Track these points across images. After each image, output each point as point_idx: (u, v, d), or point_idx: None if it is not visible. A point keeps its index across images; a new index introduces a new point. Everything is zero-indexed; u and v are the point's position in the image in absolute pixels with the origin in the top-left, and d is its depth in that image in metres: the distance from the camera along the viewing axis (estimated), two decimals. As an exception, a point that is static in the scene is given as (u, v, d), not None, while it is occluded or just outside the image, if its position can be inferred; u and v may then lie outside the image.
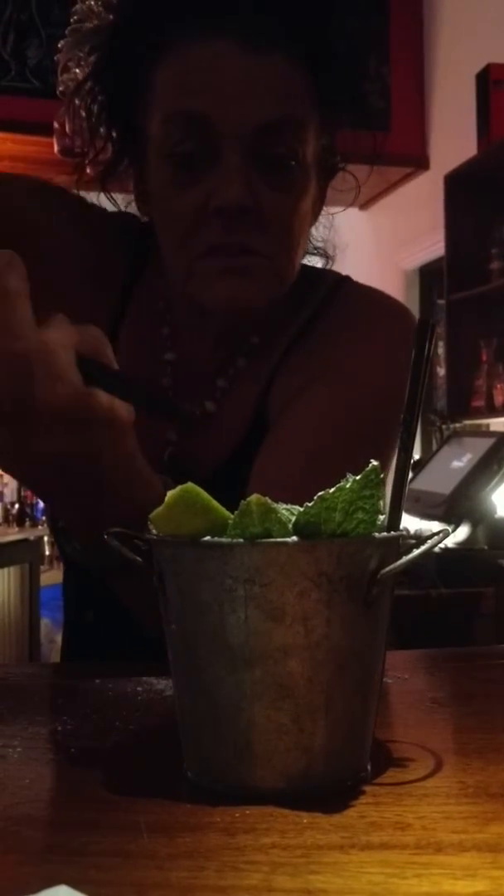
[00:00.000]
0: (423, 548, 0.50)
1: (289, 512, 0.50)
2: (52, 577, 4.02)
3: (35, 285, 0.64)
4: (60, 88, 2.59)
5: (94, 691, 0.70)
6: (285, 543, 0.47)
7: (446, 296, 3.82)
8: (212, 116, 0.78)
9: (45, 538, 3.99)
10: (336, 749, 0.49)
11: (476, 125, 3.72)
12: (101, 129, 0.89)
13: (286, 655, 0.48)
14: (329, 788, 0.49)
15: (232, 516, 0.48)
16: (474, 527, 2.91)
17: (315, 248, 0.99)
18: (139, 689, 0.70)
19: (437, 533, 0.51)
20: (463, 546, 2.91)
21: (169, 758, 0.53)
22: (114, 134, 0.89)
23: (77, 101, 0.92)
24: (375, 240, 5.00)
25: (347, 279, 0.98)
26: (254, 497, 0.47)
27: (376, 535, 0.49)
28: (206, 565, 0.48)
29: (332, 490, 0.48)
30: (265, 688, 0.48)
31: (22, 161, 4.23)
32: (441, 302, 4.02)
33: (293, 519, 0.48)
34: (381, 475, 0.49)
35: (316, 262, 1.01)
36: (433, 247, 4.27)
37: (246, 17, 0.79)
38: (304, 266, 0.96)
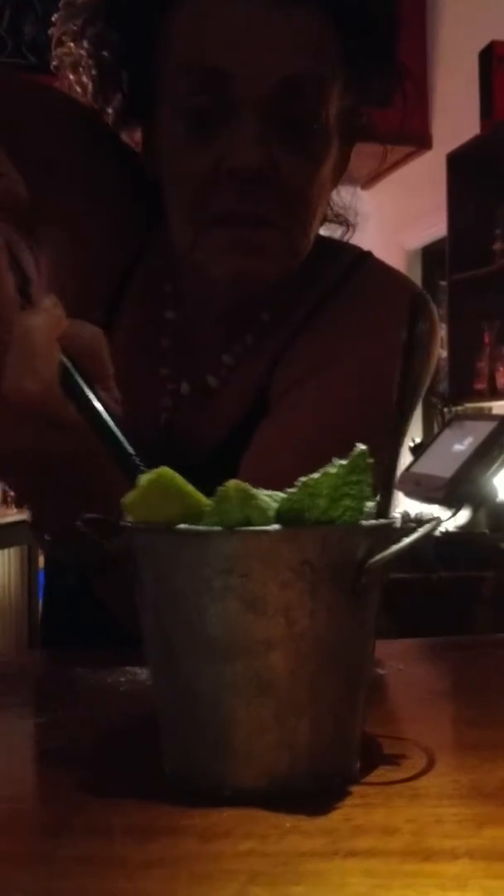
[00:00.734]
0: (413, 536, 0.47)
1: (270, 498, 0.47)
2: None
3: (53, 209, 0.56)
4: (54, 63, 2.55)
5: (76, 682, 0.68)
6: (266, 532, 0.45)
7: (448, 277, 3.78)
8: (229, 71, 0.73)
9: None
10: (321, 746, 0.47)
11: (479, 104, 3.66)
12: (109, 79, 0.83)
13: (268, 648, 0.45)
14: (314, 788, 0.47)
15: (210, 502, 0.46)
16: (475, 510, 2.88)
17: (335, 216, 0.94)
18: (122, 679, 0.67)
19: (430, 521, 0.48)
20: (463, 530, 2.88)
21: (149, 754, 0.51)
22: (123, 85, 0.82)
23: (83, 49, 0.87)
24: (377, 220, 4.95)
25: (368, 256, 0.92)
26: (232, 482, 0.45)
27: (364, 522, 0.47)
28: (183, 554, 0.45)
29: (317, 475, 0.45)
30: (245, 682, 0.45)
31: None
32: (443, 283, 3.98)
33: (275, 506, 0.45)
34: (370, 461, 0.46)
35: (334, 231, 0.96)
36: (436, 227, 4.22)
37: None
38: (323, 238, 0.90)
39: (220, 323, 0.88)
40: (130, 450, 0.54)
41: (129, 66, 0.82)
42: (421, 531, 0.48)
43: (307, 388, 0.84)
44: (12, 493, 4.15)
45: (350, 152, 0.86)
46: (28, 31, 4.14)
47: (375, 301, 0.87)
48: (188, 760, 0.48)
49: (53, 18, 3.06)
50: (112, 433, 0.55)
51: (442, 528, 2.89)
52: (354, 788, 0.47)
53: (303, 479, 0.45)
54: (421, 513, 2.97)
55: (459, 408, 3.53)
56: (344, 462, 0.45)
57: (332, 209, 0.93)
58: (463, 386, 3.67)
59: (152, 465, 0.48)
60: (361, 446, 0.45)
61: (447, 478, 2.97)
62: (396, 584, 2.81)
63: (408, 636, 0.95)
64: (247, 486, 0.45)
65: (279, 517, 0.45)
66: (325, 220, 0.90)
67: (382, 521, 0.48)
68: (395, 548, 0.47)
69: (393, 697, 0.64)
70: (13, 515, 3.92)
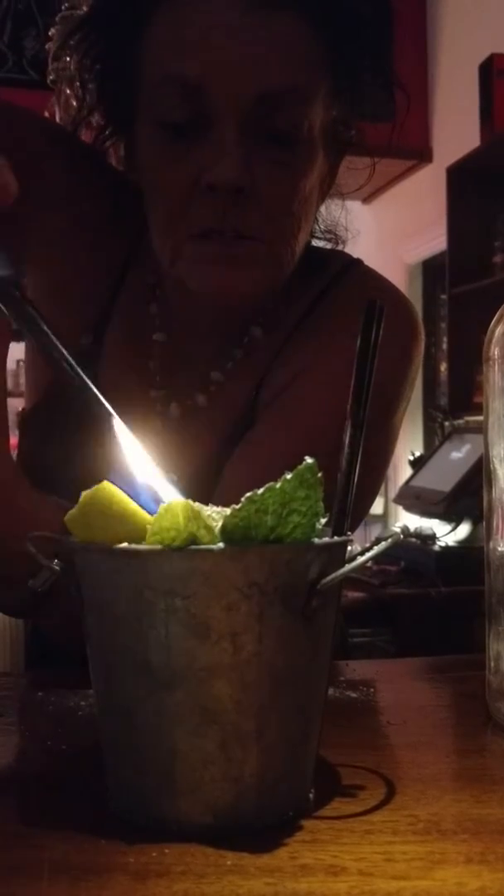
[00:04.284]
0: (367, 555, 0.45)
1: (219, 515, 0.45)
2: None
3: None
4: (51, 77, 2.54)
5: (33, 705, 0.65)
6: (210, 550, 0.42)
7: (448, 289, 3.76)
8: (206, 84, 0.70)
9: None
10: (270, 779, 0.44)
11: (479, 116, 3.65)
12: (90, 90, 0.80)
13: (211, 676, 0.43)
14: (263, 823, 0.44)
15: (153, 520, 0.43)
16: (474, 525, 2.85)
17: (323, 232, 0.91)
18: (83, 703, 0.65)
19: (385, 539, 0.46)
20: (463, 544, 2.85)
21: (96, 786, 0.48)
22: (103, 97, 0.80)
23: (69, 60, 0.86)
24: (378, 233, 4.93)
25: (355, 264, 0.90)
26: (175, 499, 0.42)
27: (315, 540, 0.44)
28: (122, 575, 0.43)
29: (262, 490, 0.42)
30: (188, 711, 0.43)
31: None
32: (444, 297, 3.95)
33: (219, 523, 0.43)
34: (319, 474, 0.43)
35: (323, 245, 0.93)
36: (436, 241, 4.20)
37: None
38: (314, 248, 0.88)
39: (208, 340, 0.86)
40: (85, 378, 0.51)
41: (109, 78, 0.79)
42: (376, 549, 0.45)
43: (289, 393, 0.82)
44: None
45: (339, 165, 0.84)
46: (29, 46, 4.14)
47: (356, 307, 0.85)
48: (131, 794, 0.45)
49: (51, 33, 3.04)
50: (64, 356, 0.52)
51: (442, 543, 2.86)
52: (305, 823, 0.44)
53: (248, 493, 0.42)
54: (420, 527, 2.94)
55: (459, 421, 3.50)
56: (289, 476, 0.43)
57: (320, 225, 0.90)
58: (463, 399, 3.64)
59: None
60: (309, 460, 0.43)
61: (447, 491, 2.95)
62: (396, 599, 2.78)
63: (407, 651, 0.93)
64: (190, 502, 0.43)
65: (225, 535, 0.43)
66: (313, 235, 0.88)
67: (335, 538, 0.46)
68: (348, 567, 0.45)
69: (357, 723, 0.61)
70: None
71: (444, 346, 3.95)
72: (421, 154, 4.40)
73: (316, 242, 0.91)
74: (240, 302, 0.78)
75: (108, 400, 0.71)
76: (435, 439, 3.88)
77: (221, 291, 0.76)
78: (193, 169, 0.72)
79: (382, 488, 4.90)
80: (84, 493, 0.44)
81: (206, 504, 0.47)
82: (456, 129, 4.10)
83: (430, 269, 4.68)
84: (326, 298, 0.87)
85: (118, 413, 0.68)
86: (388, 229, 4.84)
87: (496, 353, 0.63)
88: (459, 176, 3.73)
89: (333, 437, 0.76)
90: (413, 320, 0.86)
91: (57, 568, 0.47)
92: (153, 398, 0.87)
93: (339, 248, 0.93)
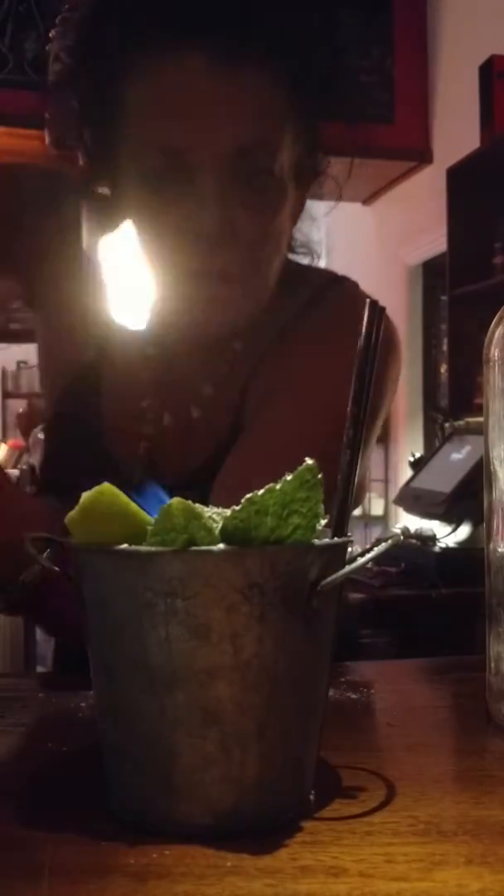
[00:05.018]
0: (367, 556, 0.45)
1: (219, 516, 0.45)
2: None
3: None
4: (51, 79, 2.54)
5: (34, 706, 0.65)
6: (211, 552, 0.42)
7: (448, 291, 3.75)
8: (185, 146, 0.76)
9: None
10: (270, 780, 0.44)
11: (479, 118, 3.65)
12: (74, 132, 0.87)
13: (212, 677, 0.43)
14: (263, 824, 0.44)
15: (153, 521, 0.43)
16: (475, 526, 2.85)
17: (298, 248, 0.95)
18: (83, 704, 0.65)
19: (385, 540, 0.46)
20: (463, 545, 2.85)
21: (96, 787, 0.48)
22: (87, 140, 0.86)
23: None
24: (378, 235, 4.94)
25: (337, 282, 0.93)
26: (175, 500, 0.42)
27: (316, 541, 0.44)
28: (123, 576, 0.43)
29: (262, 492, 0.42)
30: (188, 713, 0.43)
31: (20, 155, 4.19)
32: (445, 298, 3.95)
33: (220, 525, 0.43)
34: (319, 475, 0.43)
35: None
36: (436, 242, 4.20)
37: (215, 31, 0.75)
38: (298, 265, 0.93)
39: (196, 356, 0.91)
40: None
41: (88, 122, 0.85)
42: (376, 550, 0.45)
43: (276, 401, 0.85)
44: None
45: (306, 192, 0.88)
46: (29, 48, 4.15)
47: (339, 316, 0.86)
48: (131, 795, 0.45)
49: (51, 35, 3.05)
50: None
51: (442, 544, 2.86)
52: (306, 824, 0.44)
53: (248, 495, 0.42)
54: (421, 528, 2.94)
55: (460, 422, 3.50)
56: (289, 477, 0.43)
57: (295, 243, 0.94)
58: (463, 400, 3.64)
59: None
60: (309, 461, 0.43)
61: (447, 493, 2.94)
62: (397, 601, 2.78)
63: (408, 653, 0.93)
64: (190, 503, 0.43)
65: (225, 536, 0.43)
66: (291, 250, 0.92)
67: (335, 539, 0.46)
68: (348, 568, 0.45)
69: (358, 724, 0.61)
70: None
71: (445, 347, 3.95)
72: (421, 155, 4.40)
73: (293, 257, 0.94)
74: (222, 331, 0.85)
75: (105, 408, 0.74)
76: (435, 441, 3.89)
77: (206, 328, 0.83)
78: (177, 218, 0.78)
79: (382, 489, 4.89)
80: (84, 495, 0.44)
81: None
82: (456, 131, 4.10)
83: (431, 271, 4.68)
84: (310, 311, 0.90)
85: (112, 421, 0.71)
86: (389, 231, 4.84)
87: (496, 354, 0.63)
88: (460, 177, 3.73)
89: (324, 437, 0.79)
90: (390, 328, 0.90)
91: (47, 562, 0.47)
92: (145, 406, 0.92)
93: (315, 262, 0.97)
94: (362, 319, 0.44)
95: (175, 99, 0.76)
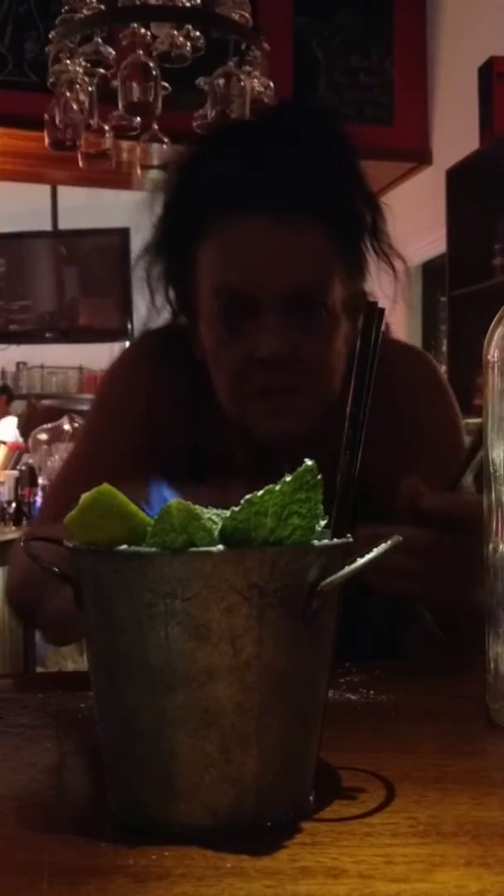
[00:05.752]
0: (368, 557, 0.45)
1: (219, 517, 0.45)
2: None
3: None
4: (51, 80, 2.54)
5: (33, 707, 0.65)
6: (210, 553, 0.42)
7: (448, 292, 3.75)
8: (249, 290, 0.88)
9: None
10: (270, 781, 0.44)
11: (479, 119, 3.65)
12: (163, 293, 0.99)
13: (211, 678, 0.43)
14: (262, 825, 0.44)
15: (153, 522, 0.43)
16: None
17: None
18: (82, 705, 0.65)
19: (386, 541, 0.46)
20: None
21: (96, 788, 0.48)
22: (172, 298, 0.99)
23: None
24: (378, 236, 4.93)
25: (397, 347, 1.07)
26: (174, 501, 0.42)
27: (315, 542, 0.44)
28: (123, 577, 0.43)
29: (261, 493, 0.43)
30: (188, 714, 0.43)
31: (20, 156, 4.19)
32: (444, 299, 3.95)
33: (219, 525, 0.43)
34: (319, 476, 0.43)
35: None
36: (436, 243, 4.20)
37: (274, 195, 0.88)
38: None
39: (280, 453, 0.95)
40: None
41: (173, 282, 0.98)
42: (376, 551, 0.45)
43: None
44: (10, 511, 4.14)
45: (357, 323, 0.95)
46: (29, 49, 4.14)
47: (402, 391, 0.99)
48: (131, 796, 0.45)
49: (51, 36, 3.05)
50: None
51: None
52: (305, 825, 0.44)
53: (247, 496, 0.42)
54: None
55: (459, 424, 3.49)
56: (288, 478, 0.43)
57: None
58: (462, 401, 3.63)
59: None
60: (308, 462, 0.43)
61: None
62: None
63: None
64: (189, 504, 0.43)
65: (224, 538, 0.43)
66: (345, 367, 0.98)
67: (335, 541, 0.46)
68: (348, 569, 0.45)
69: (357, 725, 0.61)
70: (11, 533, 3.89)
71: (444, 348, 3.95)
72: (421, 157, 4.41)
73: None
74: (295, 440, 0.92)
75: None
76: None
77: (279, 438, 0.92)
78: (246, 348, 0.89)
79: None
80: (84, 496, 0.44)
81: None
82: (455, 132, 4.10)
83: (430, 272, 4.68)
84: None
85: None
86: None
87: (496, 355, 0.63)
88: (459, 178, 3.74)
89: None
90: (433, 364, 1.11)
91: (47, 563, 0.47)
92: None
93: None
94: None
95: (239, 252, 0.89)
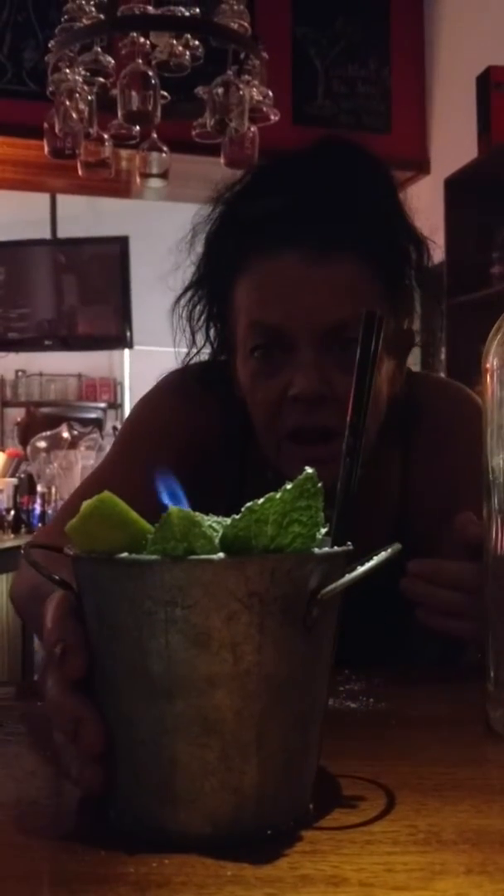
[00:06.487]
0: (368, 565, 0.45)
1: (219, 525, 0.45)
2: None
3: None
4: (50, 88, 2.55)
5: (33, 715, 0.65)
6: (210, 560, 0.42)
7: (446, 300, 3.76)
8: (286, 326, 0.87)
9: (41, 545, 3.93)
10: (270, 789, 0.44)
11: (477, 128, 3.66)
12: (203, 331, 1.00)
13: (212, 686, 0.43)
14: (262, 834, 0.44)
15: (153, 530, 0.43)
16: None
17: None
18: (82, 713, 0.65)
19: (386, 549, 0.46)
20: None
21: (96, 796, 0.48)
22: (212, 335, 0.99)
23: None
24: (376, 244, 4.94)
25: (415, 377, 1.03)
26: (174, 509, 0.42)
27: (316, 550, 0.44)
28: (123, 585, 0.43)
29: (262, 501, 0.43)
30: (188, 722, 0.43)
31: (19, 165, 4.20)
32: (442, 307, 3.95)
33: (220, 533, 0.43)
34: (319, 484, 0.44)
35: None
36: (434, 251, 4.21)
37: (311, 232, 0.87)
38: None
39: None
40: None
41: (213, 322, 0.99)
42: (377, 559, 0.45)
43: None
44: (9, 519, 4.14)
45: (403, 361, 0.98)
46: (28, 57, 4.15)
47: (445, 427, 1.01)
48: (131, 804, 0.45)
49: (50, 45, 3.06)
50: None
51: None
52: (305, 833, 0.44)
53: (248, 504, 0.43)
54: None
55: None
56: (289, 486, 0.43)
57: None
58: (461, 410, 3.64)
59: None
60: (308, 470, 0.43)
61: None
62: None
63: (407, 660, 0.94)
64: (189, 512, 0.43)
65: (224, 545, 0.43)
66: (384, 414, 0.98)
67: (336, 548, 0.46)
68: (348, 577, 0.45)
69: (357, 733, 0.61)
70: (10, 541, 3.89)
71: (443, 356, 3.95)
72: (419, 165, 4.41)
73: None
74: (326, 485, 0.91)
75: None
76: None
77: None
78: (281, 385, 0.88)
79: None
80: (85, 503, 0.44)
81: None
82: (453, 141, 4.11)
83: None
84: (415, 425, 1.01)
85: None
86: (387, 240, 4.84)
87: (494, 363, 0.63)
88: (457, 187, 3.74)
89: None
90: (472, 398, 1.05)
91: (46, 571, 0.47)
92: None
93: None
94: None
95: (275, 288, 0.88)
